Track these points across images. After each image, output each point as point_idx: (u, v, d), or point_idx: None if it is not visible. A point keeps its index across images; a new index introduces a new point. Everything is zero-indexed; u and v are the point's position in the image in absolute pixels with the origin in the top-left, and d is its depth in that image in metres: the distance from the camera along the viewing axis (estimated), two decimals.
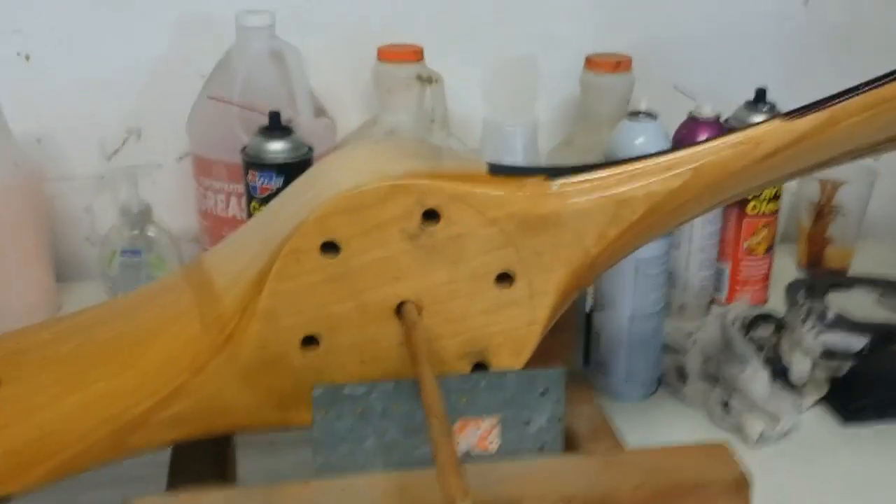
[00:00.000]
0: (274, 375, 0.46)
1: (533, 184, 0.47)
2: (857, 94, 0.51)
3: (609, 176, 0.49)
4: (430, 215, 0.45)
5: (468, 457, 0.44)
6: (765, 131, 0.50)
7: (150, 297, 0.52)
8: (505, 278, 0.47)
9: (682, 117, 0.85)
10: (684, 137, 0.84)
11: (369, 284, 0.45)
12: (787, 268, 0.98)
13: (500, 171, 0.48)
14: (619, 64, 0.88)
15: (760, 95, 0.85)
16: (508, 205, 0.46)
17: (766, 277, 0.89)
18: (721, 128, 0.84)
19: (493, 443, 0.44)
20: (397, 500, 0.41)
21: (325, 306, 0.45)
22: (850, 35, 1.01)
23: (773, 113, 0.85)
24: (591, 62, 0.89)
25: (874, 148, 0.58)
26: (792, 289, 0.92)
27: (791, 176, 0.56)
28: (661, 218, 0.50)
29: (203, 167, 0.85)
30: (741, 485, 0.42)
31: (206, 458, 0.51)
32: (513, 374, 0.44)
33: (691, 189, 0.49)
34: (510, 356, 0.48)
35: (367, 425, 0.43)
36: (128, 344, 0.49)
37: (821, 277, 0.94)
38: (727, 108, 0.86)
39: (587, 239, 0.48)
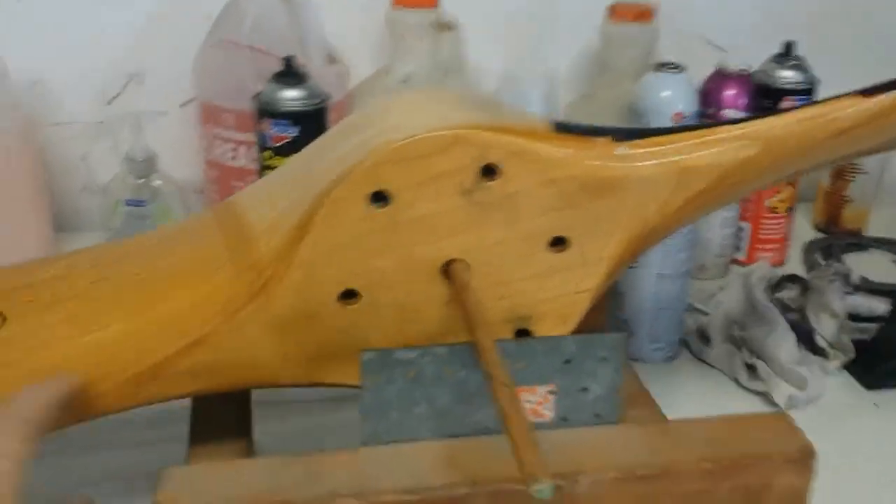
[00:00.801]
0: (307, 329, 0.43)
1: (599, 145, 0.45)
2: None
3: (677, 142, 0.46)
4: (488, 171, 0.43)
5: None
6: (841, 106, 0.48)
7: (176, 238, 0.49)
8: (559, 242, 0.45)
9: (706, 70, 0.82)
10: (712, 91, 0.81)
11: (417, 239, 0.43)
12: (802, 228, 0.96)
13: (564, 129, 0.45)
14: (643, 13, 0.85)
15: (789, 48, 0.83)
16: (572, 165, 0.44)
17: (786, 237, 0.88)
18: (749, 82, 0.81)
19: (548, 411, 0.42)
20: (448, 470, 0.39)
21: (368, 259, 0.42)
22: None
23: (803, 69, 0.83)
24: (613, 11, 0.86)
25: None
26: (809, 249, 0.91)
27: (859, 154, 0.54)
28: (726, 189, 0.47)
29: (210, 114, 0.82)
30: (806, 456, 0.41)
31: (225, 418, 0.48)
32: (572, 339, 0.42)
33: (761, 161, 0.47)
34: (555, 324, 0.46)
35: (417, 391, 0.41)
36: (150, 285, 0.45)
37: (838, 238, 0.93)
38: (753, 62, 0.83)
39: (649, 207, 0.46)
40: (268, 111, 0.70)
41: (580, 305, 0.46)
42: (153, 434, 0.58)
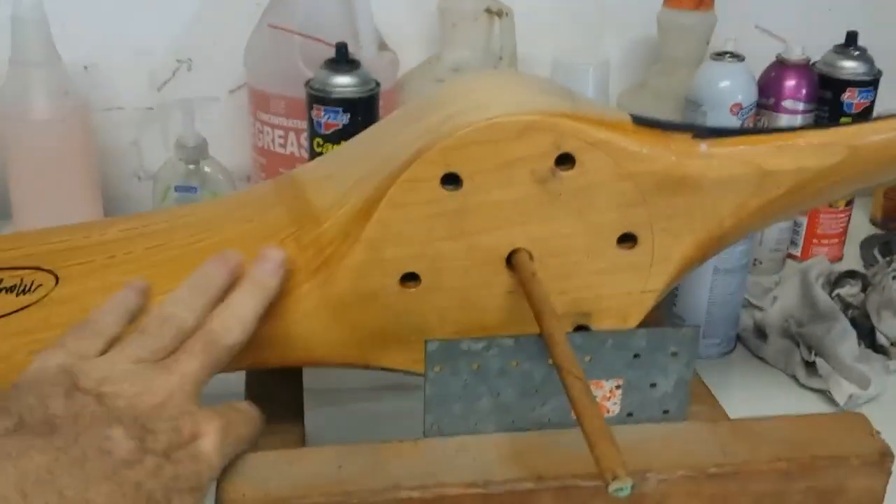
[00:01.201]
0: (365, 309, 0.43)
1: (679, 141, 0.44)
2: None
3: (759, 143, 0.45)
4: (564, 159, 0.41)
5: None
6: None
7: (233, 208, 0.48)
8: (628, 239, 0.43)
9: (765, 60, 0.80)
10: (771, 82, 0.79)
11: (485, 225, 0.42)
12: (859, 223, 0.94)
13: (644, 123, 0.44)
14: (702, 1, 0.83)
15: (851, 39, 0.81)
16: (651, 160, 0.42)
17: (844, 233, 0.86)
18: (811, 73, 0.79)
19: (615, 406, 0.41)
20: (513, 465, 0.38)
21: (434, 242, 0.41)
22: None
23: (866, 59, 0.81)
24: None
25: None
26: (867, 245, 0.89)
27: None
28: (805, 196, 0.46)
29: (260, 101, 0.81)
30: (884, 458, 0.39)
31: (279, 401, 0.48)
32: (643, 332, 0.40)
33: (844, 170, 0.46)
34: (615, 323, 0.44)
35: (482, 384, 0.40)
36: (208, 255, 0.45)
37: None
38: (814, 52, 0.81)
39: (724, 209, 0.44)
40: (319, 98, 0.69)
41: (644, 305, 0.45)
42: None
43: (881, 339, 0.71)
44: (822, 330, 0.69)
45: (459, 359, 0.39)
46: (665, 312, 0.70)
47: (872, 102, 0.81)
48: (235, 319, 0.40)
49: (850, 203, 0.84)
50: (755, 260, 0.84)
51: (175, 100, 0.83)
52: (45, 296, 0.44)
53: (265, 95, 0.81)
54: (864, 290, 0.74)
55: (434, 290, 0.42)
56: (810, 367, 0.68)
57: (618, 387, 0.41)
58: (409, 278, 0.42)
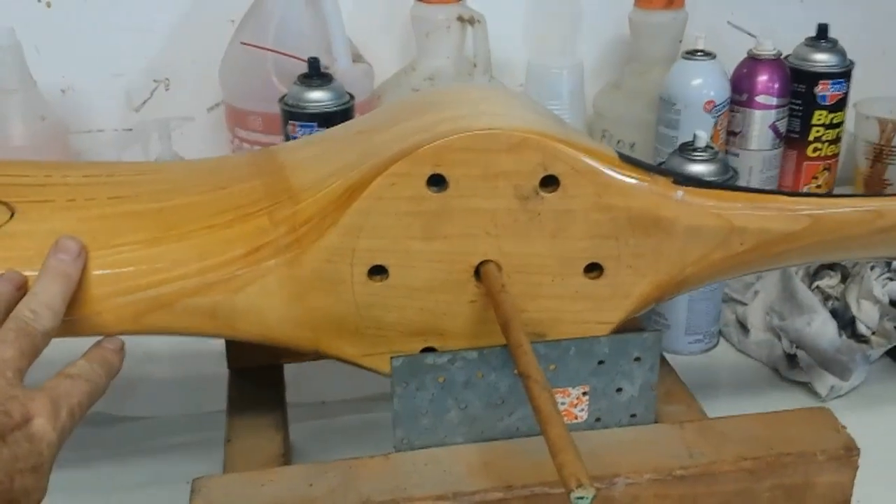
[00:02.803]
0: (327, 294, 0.43)
1: (660, 184, 0.44)
2: None
3: (732, 200, 0.47)
4: (549, 181, 0.42)
5: None
6: (890, 204, 0.48)
7: (208, 174, 0.49)
8: (595, 269, 0.44)
9: (737, 57, 0.81)
10: (744, 77, 0.80)
11: (461, 231, 0.42)
12: None
13: (628, 161, 0.45)
14: (672, 0, 0.84)
15: (822, 31, 0.81)
16: (631, 197, 0.43)
17: None
18: (783, 67, 0.80)
19: (583, 412, 0.42)
20: (482, 475, 0.38)
21: (408, 240, 0.42)
22: None
23: (838, 52, 0.81)
24: None
25: None
26: None
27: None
28: (765, 256, 0.48)
29: (237, 118, 0.82)
30: (849, 452, 0.40)
31: (260, 393, 0.49)
32: (605, 340, 0.41)
33: (804, 238, 0.47)
34: None
35: (449, 397, 0.41)
36: (174, 215, 0.45)
37: None
38: (786, 46, 0.82)
39: (690, 256, 0.45)
40: (293, 114, 0.70)
41: (596, 335, 0.45)
42: (188, 438, 0.58)
43: (861, 329, 0.71)
44: (802, 322, 0.69)
45: (425, 374, 0.40)
46: (646, 313, 0.71)
47: (846, 94, 0.82)
48: (44, 306, 0.41)
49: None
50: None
51: (152, 120, 0.84)
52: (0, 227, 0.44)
53: (242, 112, 0.82)
54: (843, 281, 0.74)
55: (399, 286, 0.43)
56: (792, 359, 0.69)
57: (584, 393, 0.42)
58: (377, 271, 0.43)
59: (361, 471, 0.39)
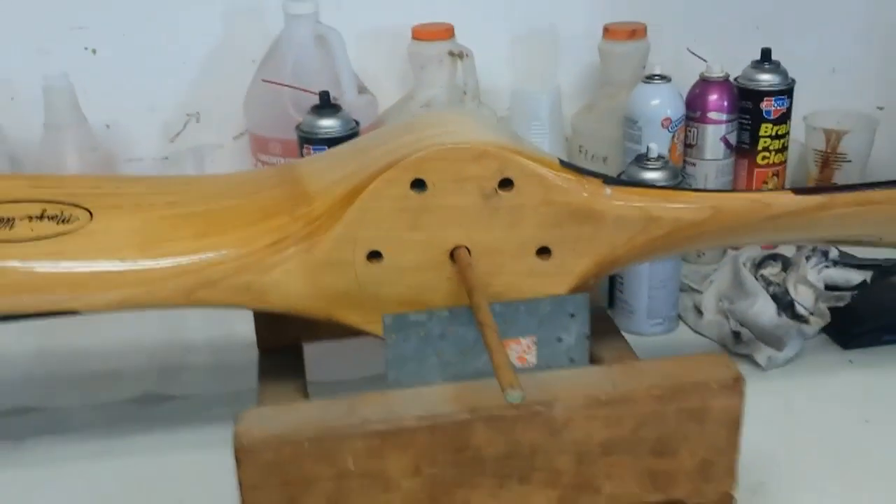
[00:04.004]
0: (335, 274, 0.57)
1: (592, 183, 0.58)
2: (853, 191, 0.63)
3: (650, 195, 0.60)
4: (506, 183, 0.56)
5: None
6: (776, 197, 0.62)
7: (241, 183, 0.64)
8: (544, 251, 0.58)
9: (696, 78, 0.95)
10: (697, 97, 0.94)
11: (438, 223, 0.56)
12: None
13: (567, 166, 0.58)
14: (635, 32, 0.98)
15: (766, 55, 0.95)
16: (570, 194, 0.57)
17: None
18: (731, 87, 0.93)
19: (532, 358, 0.55)
20: (456, 404, 0.52)
21: (397, 230, 0.56)
22: None
23: (781, 72, 0.95)
24: (608, 31, 0.99)
25: (857, 242, 0.69)
26: None
27: (790, 240, 0.66)
28: (679, 240, 0.61)
29: (259, 145, 0.97)
30: (737, 382, 0.53)
31: (284, 366, 0.63)
32: (547, 300, 0.55)
33: (709, 225, 0.60)
34: None
35: (428, 346, 0.54)
36: (215, 216, 0.59)
37: None
38: (737, 69, 0.95)
39: (618, 240, 0.58)
40: (307, 139, 0.84)
41: None
42: (224, 411, 0.72)
43: (800, 310, 0.84)
44: (746, 305, 0.82)
45: (409, 328, 0.54)
46: (613, 298, 0.85)
47: (789, 108, 0.95)
48: None
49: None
50: (699, 252, 0.97)
51: (186, 148, 0.99)
52: (81, 227, 0.58)
53: (263, 139, 0.96)
54: (784, 269, 0.87)
55: (392, 267, 0.57)
56: (737, 336, 0.82)
57: (533, 343, 0.55)
58: (375, 256, 0.57)
59: (363, 402, 0.52)
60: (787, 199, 0.61)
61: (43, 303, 0.58)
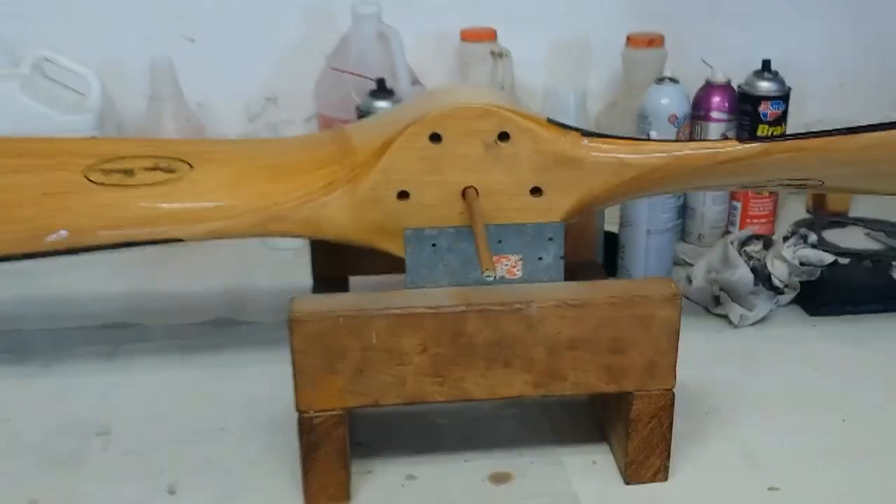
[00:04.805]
0: (374, 210, 0.74)
1: (572, 135, 0.75)
2: (790, 139, 0.77)
3: (621, 144, 0.76)
4: (504, 136, 0.74)
5: (502, 280, 0.73)
6: (724, 145, 0.77)
7: (303, 142, 0.85)
8: (536, 191, 0.75)
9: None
10: (702, 99, 1.11)
11: (452, 168, 0.74)
12: (798, 211, 1.23)
13: (553, 123, 0.75)
14: (653, 41, 1.16)
15: (766, 65, 1.11)
16: (554, 144, 0.74)
17: (772, 213, 1.15)
18: (732, 91, 1.10)
19: (518, 272, 0.73)
20: (456, 299, 0.70)
21: (420, 174, 0.74)
22: None
23: (779, 81, 1.11)
24: (630, 40, 1.17)
25: (803, 185, 0.85)
26: (796, 225, 1.17)
27: (740, 183, 0.84)
28: (646, 183, 0.77)
29: (326, 123, 1.17)
30: (675, 297, 0.70)
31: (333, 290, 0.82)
32: (531, 225, 0.73)
33: (669, 169, 0.76)
34: None
35: (438, 256, 0.72)
36: (285, 166, 0.79)
37: (820, 217, 1.19)
38: (742, 76, 1.12)
39: (595, 181, 0.75)
40: (365, 117, 1.03)
41: None
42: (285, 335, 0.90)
43: (775, 282, 1.00)
44: (728, 274, 0.99)
45: (424, 241, 0.72)
46: (616, 264, 1.01)
47: (784, 111, 1.11)
48: None
49: (772, 192, 1.14)
50: (699, 234, 1.14)
51: (265, 124, 1.19)
52: (183, 176, 0.78)
53: (329, 119, 1.16)
54: (766, 248, 1.03)
55: (417, 203, 0.74)
56: (717, 299, 0.98)
57: (519, 259, 0.73)
58: (403, 195, 0.75)
59: (387, 295, 0.70)
60: (733, 147, 0.76)
61: (156, 233, 0.77)
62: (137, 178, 0.78)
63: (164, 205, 0.77)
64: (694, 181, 0.81)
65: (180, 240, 0.77)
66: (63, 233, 0.75)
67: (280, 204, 0.76)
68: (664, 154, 0.76)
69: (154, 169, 0.79)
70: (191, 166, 0.79)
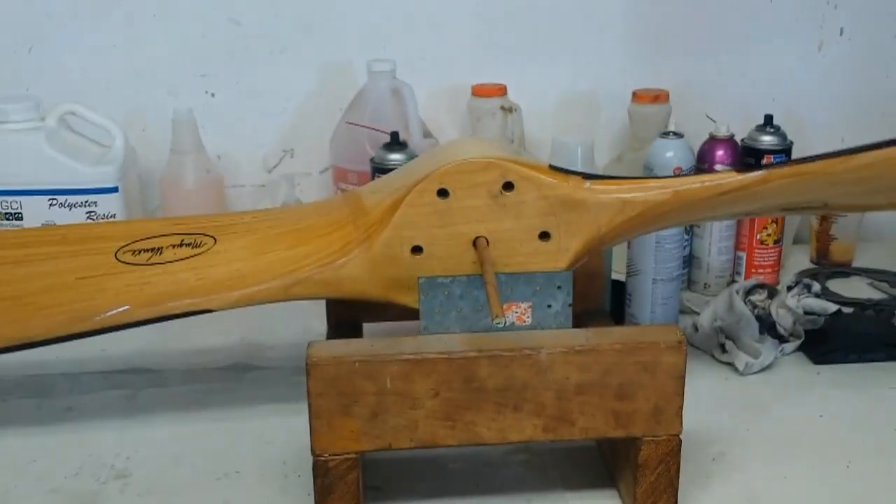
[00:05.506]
0: (389, 266, 0.77)
1: (575, 179, 0.78)
2: (788, 165, 0.79)
3: (622, 184, 0.79)
4: (508, 185, 0.76)
5: (512, 326, 0.75)
6: (723, 177, 0.80)
7: (317, 207, 0.89)
8: (544, 235, 0.78)
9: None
10: (706, 152, 1.13)
11: (461, 220, 0.76)
12: (802, 261, 1.25)
13: (555, 168, 0.79)
14: (658, 97, 1.19)
15: (768, 120, 1.14)
16: (557, 189, 0.77)
17: (777, 264, 1.17)
18: (735, 145, 1.13)
19: (528, 319, 0.75)
20: (468, 345, 0.72)
21: (431, 229, 0.76)
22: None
23: (780, 134, 1.14)
24: (636, 95, 1.20)
25: (806, 208, 0.87)
26: (800, 275, 1.20)
27: (743, 212, 0.86)
28: (650, 219, 0.79)
29: (340, 175, 1.20)
30: (680, 344, 0.72)
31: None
32: (540, 274, 0.75)
33: (671, 205, 0.79)
34: None
35: (450, 303, 0.75)
36: (301, 233, 0.82)
37: (824, 268, 1.21)
38: (745, 130, 1.15)
39: (601, 221, 0.78)
40: (379, 169, 1.07)
41: None
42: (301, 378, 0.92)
43: (780, 330, 1.02)
44: (733, 322, 1.01)
45: (437, 288, 0.74)
46: (623, 312, 1.03)
47: None
48: None
49: (778, 241, 1.16)
50: (705, 283, 1.16)
51: (281, 175, 1.23)
52: (208, 249, 0.82)
53: (344, 171, 1.19)
54: (770, 297, 1.05)
55: (430, 257, 0.77)
56: (722, 347, 1.00)
57: (529, 307, 0.75)
58: (416, 250, 0.77)
59: (401, 340, 0.73)
60: (733, 178, 0.79)
61: (186, 305, 0.81)
62: (165, 255, 0.83)
63: (191, 278, 0.81)
64: (697, 213, 0.83)
65: (210, 310, 0.81)
66: (125, 307, 0.80)
67: (302, 268, 0.80)
68: (666, 190, 0.79)
69: (180, 245, 0.84)
70: (215, 240, 0.83)
